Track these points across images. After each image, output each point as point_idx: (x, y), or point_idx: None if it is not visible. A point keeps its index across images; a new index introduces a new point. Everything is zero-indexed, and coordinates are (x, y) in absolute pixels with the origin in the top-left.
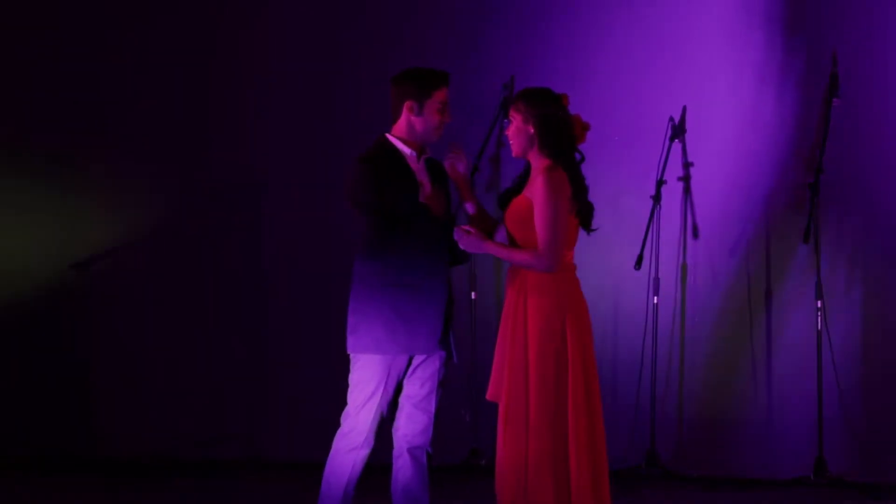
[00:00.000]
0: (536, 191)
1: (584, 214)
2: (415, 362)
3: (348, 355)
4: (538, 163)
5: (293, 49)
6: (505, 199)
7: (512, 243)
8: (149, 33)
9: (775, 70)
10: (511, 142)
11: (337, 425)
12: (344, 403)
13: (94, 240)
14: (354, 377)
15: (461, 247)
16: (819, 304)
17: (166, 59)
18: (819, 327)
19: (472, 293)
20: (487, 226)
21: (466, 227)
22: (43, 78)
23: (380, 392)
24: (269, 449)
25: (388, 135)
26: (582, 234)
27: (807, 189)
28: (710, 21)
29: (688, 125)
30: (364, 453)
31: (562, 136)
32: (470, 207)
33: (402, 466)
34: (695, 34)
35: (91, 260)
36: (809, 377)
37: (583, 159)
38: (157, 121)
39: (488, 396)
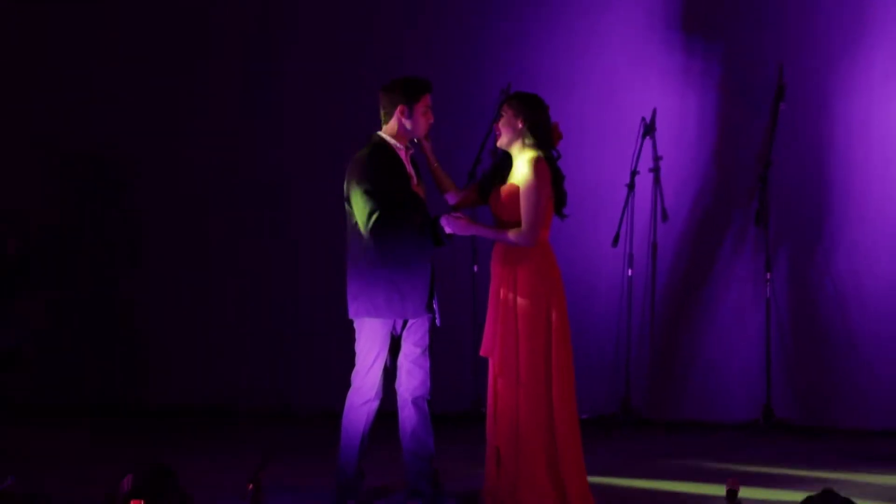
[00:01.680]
0: (523, 178)
1: (559, 201)
2: (408, 325)
3: (352, 322)
4: (524, 154)
5: (298, 49)
6: (485, 188)
7: (498, 224)
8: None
9: (729, 77)
10: (500, 132)
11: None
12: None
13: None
14: (361, 342)
15: (449, 230)
16: (768, 276)
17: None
18: (768, 295)
19: (475, 266)
20: (467, 202)
21: (456, 214)
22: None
23: (384, 351)
24: (296, 400)
25: (380, 133)
26: (569, 219)
27: (758, 180)
28: (674, 33)
29: (658, 124)
30: (376, 405)
31: (545, 134)
32: (450, 198)
33: (408, 416)
34: (663, 43)
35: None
36: (760, 337)
37: (559, 157)
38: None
39: (482, 352)
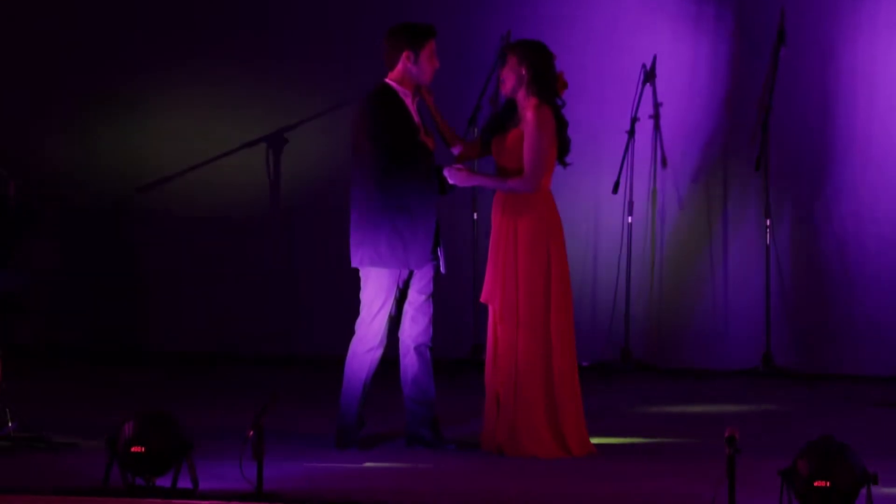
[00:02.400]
0: (527, 124)
1: (562, 149)
2: (413, 273)
3: (357, 270)
4: (527, 102)
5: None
6: (487, 139)
7: (501, 173)
8: None
9: (730, 21)
10: (503, 79)
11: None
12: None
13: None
14: (367, 291)
15: (451, 182)
16: (768, 223)
17: None
18: (767, 242)
19: (475, 214)
20: (471, 154)
21: (457, 166)
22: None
23: (390, 301)
24: (302, 346)
25: (386, 80)
26: (569, 166)
27: (758, 125)
28: None
29: (658, 71)
30: (379, 352)
31: (549, 82)
32: (455, 150)
33: (410, 362)
34: None
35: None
36: (759, 284)
37: (563, 104)
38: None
39: (482, 299)
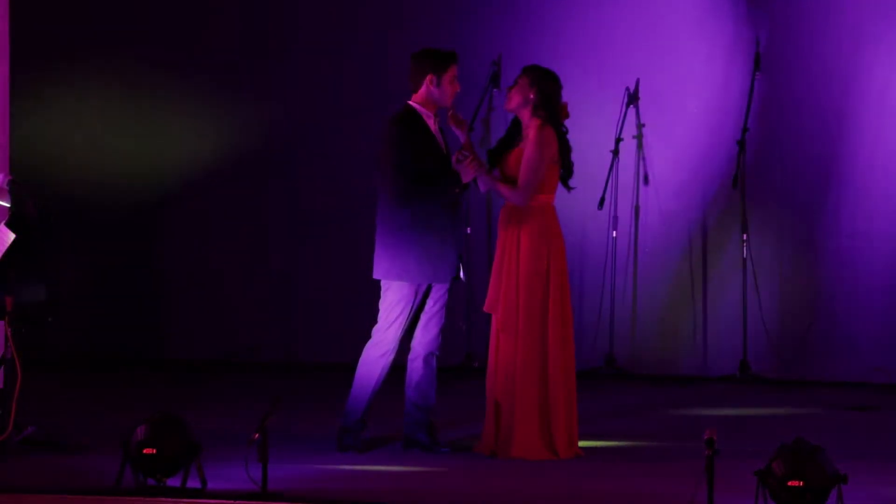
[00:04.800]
0: (528, 142)
1: (566, 172)
2: (434, 286)
3: (378, 282)
4: (531, 122)
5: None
6: (496, 155)
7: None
8: None
9: (709, 46)
10: (510, 96)
11: (357, 337)
12: (364, 320)
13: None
14: (387, 300)
15: (456, 168)
16: (745, 237)
17: None
18: (744, 255)
19: (468, 228)
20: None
21: (463, 153)
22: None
23: (407, 311)
24: (303, 354)
25: (410, 102)
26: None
27: (736, 144)
28: (665, 7)
29: (641, 94)
30: (391, 358)
31: (555, 108)
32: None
33: (417, 367)
34: (648, 14)
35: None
36: (736, 295)
37: (567, 131)
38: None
39: (485, 308)
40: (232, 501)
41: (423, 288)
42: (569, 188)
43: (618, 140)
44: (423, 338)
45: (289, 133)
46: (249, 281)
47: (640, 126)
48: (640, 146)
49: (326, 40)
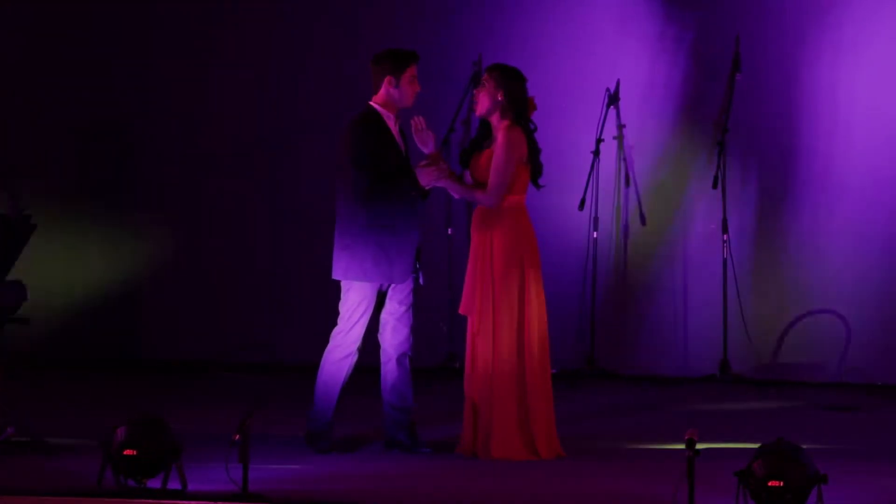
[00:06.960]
0: (497, 144)
1: (535, 171)
2: (393, 286)
3: (338, 283)
4: (500, 124)
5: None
6: (466, 158)
7: (477, 186)
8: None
9: (689, 47)
10: (478, 101)
11: None
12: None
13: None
14: (348, 302)
15: (422, 182)
16: (725, 238)
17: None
18: (724, 256)
19: (449, 229)
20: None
21: (425, 162)
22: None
23: (369, 311)
24: (288, 355)
25: (371, 103)
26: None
27: (716, 145)
28: (639, 5)
29: (621, 94)
30: (354, 359)
31: (522, 106)
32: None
33: (390, 370)
34: (628, 15)
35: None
36: (717, 296)
37: (535, 128)
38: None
39: (461, 311)
40: (212, 502)
41: (384, 287)
42: (538, 186)
43: (598, 141)
44: (394, 339)
45: (274, 133)
46: (234, 282)
47: (620, 127)
48: (620, 147)
49: (307, 40)
